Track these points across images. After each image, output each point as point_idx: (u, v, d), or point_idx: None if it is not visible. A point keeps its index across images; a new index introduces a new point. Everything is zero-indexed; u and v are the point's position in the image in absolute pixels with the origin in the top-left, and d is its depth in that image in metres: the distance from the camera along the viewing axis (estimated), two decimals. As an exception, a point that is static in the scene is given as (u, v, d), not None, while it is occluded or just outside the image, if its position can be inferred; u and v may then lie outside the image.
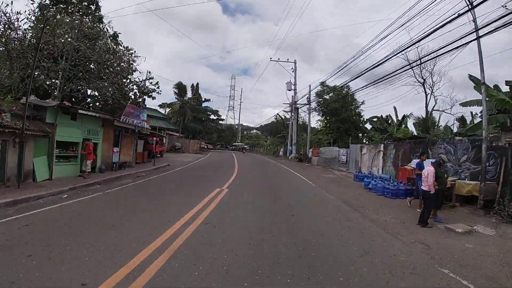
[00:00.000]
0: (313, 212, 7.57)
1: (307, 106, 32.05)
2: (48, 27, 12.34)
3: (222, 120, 64.45)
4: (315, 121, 39.61)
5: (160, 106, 48.76)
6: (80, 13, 15.75)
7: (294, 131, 35.32)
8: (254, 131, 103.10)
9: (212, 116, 62.91)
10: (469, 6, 8.51)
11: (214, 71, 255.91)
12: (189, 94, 54.61)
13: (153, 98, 20.15)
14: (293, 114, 35.91)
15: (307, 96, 31.33)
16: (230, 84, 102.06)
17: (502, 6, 8.38)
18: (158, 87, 20.88)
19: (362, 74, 17.59)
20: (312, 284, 3.50)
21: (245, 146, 71.96)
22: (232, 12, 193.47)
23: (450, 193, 8.81)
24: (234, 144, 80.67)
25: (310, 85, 31.72)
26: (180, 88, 47.78)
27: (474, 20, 8.74)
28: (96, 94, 16.56)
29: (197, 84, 60.19)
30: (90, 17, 16.17)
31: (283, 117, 47.12)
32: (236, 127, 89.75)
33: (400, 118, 23.63)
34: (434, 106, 21.38)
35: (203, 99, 59.57)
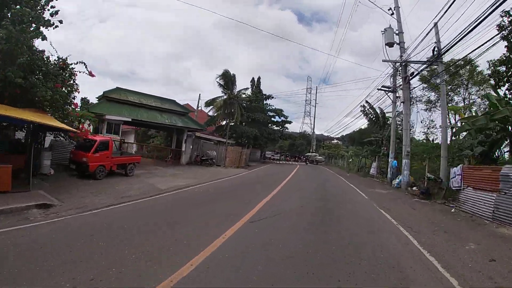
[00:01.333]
0: None
1: (436, 65, 15.07)
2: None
3: (289, 122, 49.62)
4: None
5: (206, 104, 37.70)
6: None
7: (406, 124, 18.17)
8: (335, 141, 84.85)
9: (277, 118, 48.91)
10: None
11: (294, 81, 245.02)
12: (241, 86, 42.72)
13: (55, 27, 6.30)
14: (400, 89, 18.82)
15: (433, 46, 14.37)
16: (305, 87, 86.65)
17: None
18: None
19: None
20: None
21: (318, 157, 55.58)
22: (308, 21, 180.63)
23: None
24: (307, 154, 65.18)
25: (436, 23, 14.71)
26: (227, 78, 35.78)
27: None
28: None
29: (259, 78, 47.65)
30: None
31: (377, 110, 28.46)
32: (312, 134, 73.83)
33: None
34: None
35: (264, 95, 46.50)
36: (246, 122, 43.39)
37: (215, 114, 38.14)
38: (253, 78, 48.33)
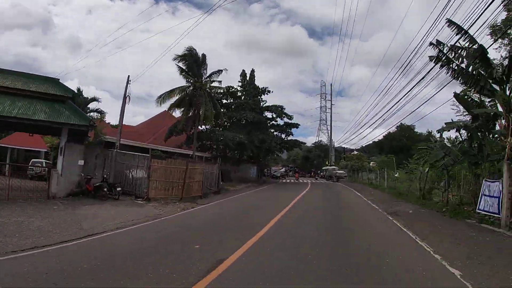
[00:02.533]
0: None
1: None
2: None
3: (296, 126, 36.06)
4: None
5: (158, 101, 25.16)
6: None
7: None
8: (355, 152, 70.15)
9: (279, 121, 35.58)
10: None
11: (309, 95, 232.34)
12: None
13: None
14: None
15: None
16: (320, 92, 73.70)
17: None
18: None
19: None
20: None
21: (338, 171, 41.53)
22: (319, 36, 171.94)
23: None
24: (325, 168, 51.31)
25: None
26: (190, 59, 23.46)
27: None
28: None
29: (252, 71, 35.23)
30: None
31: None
32: (329, 142, 59.91)
33: None
34: None
35: (259, 88, 33.79)
36: (232, 126, 30.61)
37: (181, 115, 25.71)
38: (243, 72, 35.90)
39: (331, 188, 26.73)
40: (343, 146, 62.32)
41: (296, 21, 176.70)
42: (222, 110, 28.58)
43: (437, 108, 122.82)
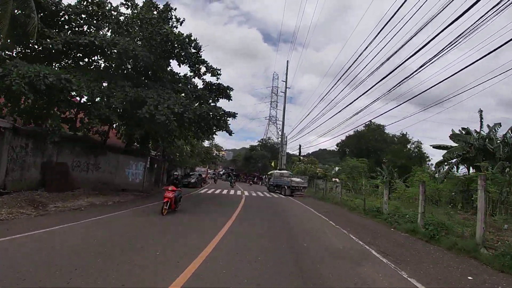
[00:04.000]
0: None
1: None
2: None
3: (227, 95, 19.58)
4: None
5: None
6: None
7: None
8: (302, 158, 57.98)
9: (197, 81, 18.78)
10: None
11: (259, 100, 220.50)
12: None
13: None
14: None
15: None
16: (271, 85, 60.90)
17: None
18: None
19: None
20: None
21: (295, 179, 26.60)
22: (274, 42, 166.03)
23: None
24: (271, 172, 36.47)
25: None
26: None
27: None
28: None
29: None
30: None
31: None
32: (281, 137, 45.76)
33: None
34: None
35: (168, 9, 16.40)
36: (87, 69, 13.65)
37: None
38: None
39: (285, 219, 11.58)
40: (290, 152, 48.45)
41: (253, 24, 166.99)
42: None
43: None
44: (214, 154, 65.45)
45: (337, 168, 35.45)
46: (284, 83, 43.34)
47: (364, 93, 22.69)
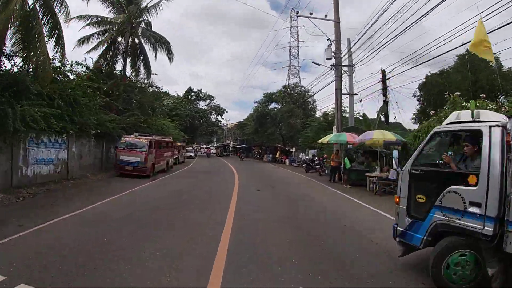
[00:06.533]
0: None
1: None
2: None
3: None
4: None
5: None
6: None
7: None
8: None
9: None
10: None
11: (272, 70, 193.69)
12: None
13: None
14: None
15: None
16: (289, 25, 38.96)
17: None
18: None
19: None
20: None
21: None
22: (283, 9, 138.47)
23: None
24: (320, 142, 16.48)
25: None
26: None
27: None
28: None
29: None
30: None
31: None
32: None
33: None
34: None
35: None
36: None
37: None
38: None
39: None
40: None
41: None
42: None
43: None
44: (215, 121, 46.86)
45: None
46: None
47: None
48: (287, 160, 29.75)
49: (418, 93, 25.92)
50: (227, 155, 48.23)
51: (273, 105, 36.47)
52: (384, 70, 18.40)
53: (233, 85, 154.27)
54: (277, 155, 32.47)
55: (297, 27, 43.12)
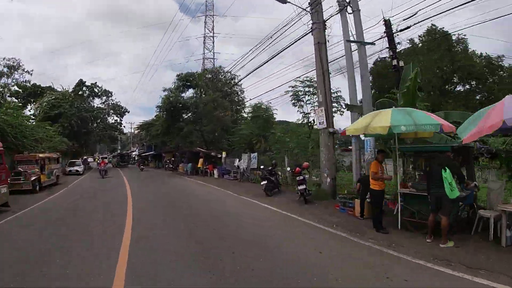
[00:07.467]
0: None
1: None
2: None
3: None
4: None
5: None
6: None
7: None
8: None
9: None
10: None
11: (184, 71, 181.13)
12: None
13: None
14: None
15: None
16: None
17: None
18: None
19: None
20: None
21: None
22: (191, 12, 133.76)
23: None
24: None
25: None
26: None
27: None
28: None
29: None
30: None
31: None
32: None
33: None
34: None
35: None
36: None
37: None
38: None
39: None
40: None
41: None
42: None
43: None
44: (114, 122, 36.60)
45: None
46: None
47: None
48: (215, 171, 19.98)
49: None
50: (124, 165, 40.58)
51: (190, 92, 26.38)
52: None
53: (139, 90, 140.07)
54: (199, 164, 22.38)
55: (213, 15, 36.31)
